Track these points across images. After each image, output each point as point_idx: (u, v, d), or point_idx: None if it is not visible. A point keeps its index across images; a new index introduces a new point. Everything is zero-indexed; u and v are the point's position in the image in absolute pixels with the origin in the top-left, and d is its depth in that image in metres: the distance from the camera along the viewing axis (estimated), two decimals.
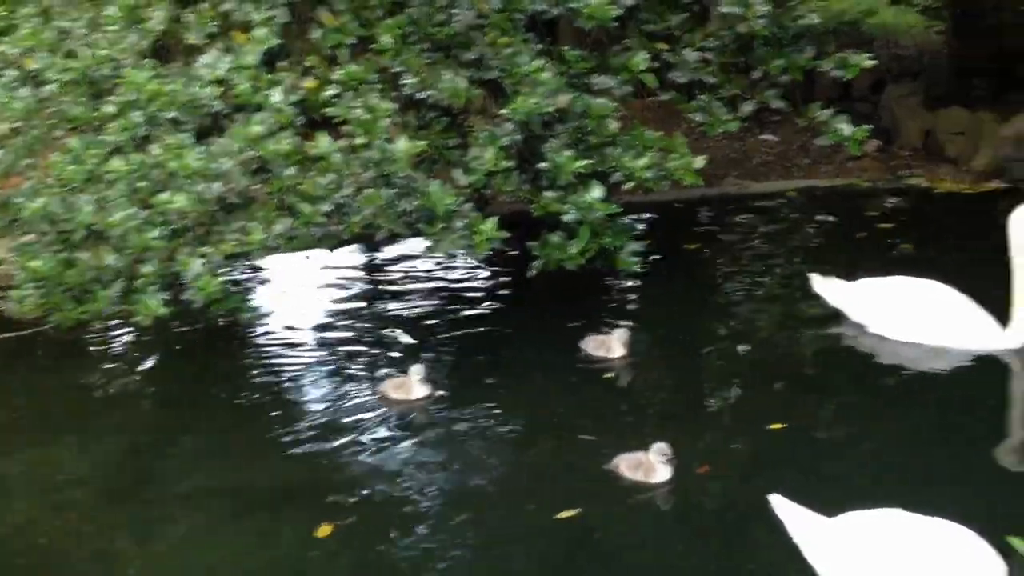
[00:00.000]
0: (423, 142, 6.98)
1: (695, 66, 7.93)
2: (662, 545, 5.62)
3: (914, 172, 11.68)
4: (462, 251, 7.39)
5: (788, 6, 8.06)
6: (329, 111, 6.96)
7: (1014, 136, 11.36)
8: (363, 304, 8.95)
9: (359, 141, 6.82)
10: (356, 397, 7.31)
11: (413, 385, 7.14)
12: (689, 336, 8.18)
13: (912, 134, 12.41)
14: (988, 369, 7.37)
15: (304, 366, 7.87)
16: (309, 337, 8.37)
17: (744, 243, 10.29)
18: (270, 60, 7.03)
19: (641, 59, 7.53)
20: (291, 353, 8.07)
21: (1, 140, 7.64)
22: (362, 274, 9.63)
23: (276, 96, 6.78)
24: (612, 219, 7.33)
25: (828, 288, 8.02)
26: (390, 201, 6.89)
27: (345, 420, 7.00)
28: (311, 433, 6.86)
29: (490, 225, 6.96)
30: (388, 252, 9.85)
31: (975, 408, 6.88)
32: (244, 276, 9.20)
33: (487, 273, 9.51)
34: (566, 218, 7.21)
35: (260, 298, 9.07)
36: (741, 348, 7.90)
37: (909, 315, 7.68)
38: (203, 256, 6.72)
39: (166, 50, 7.38)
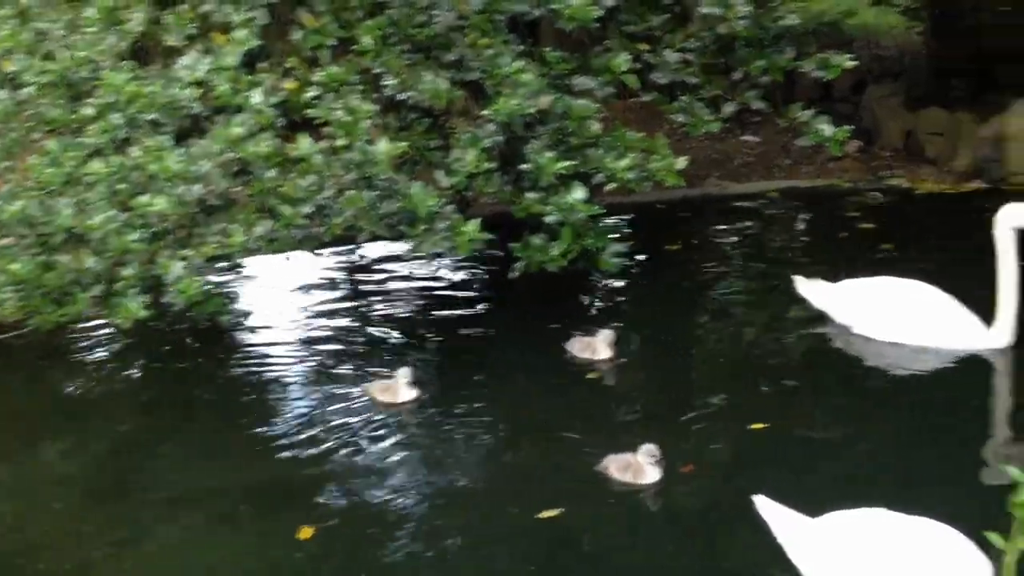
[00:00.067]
0: (404, 144, 6.96)
1: (676, 67, 7.93)
2: (647, 545, 5.61)
3: (895, 173, 11.69)
4: (444, 253, 7.37)
5: (769, 7, 8.06)
6: (310, 112, 6.94)
7: (993, 137, 11.38)
8: (345, 306, 8.91)
9: (340, 143, 6.80)
10: (340, 399, 7.27)
11: (400, 388, 7.11)
12: (673, 337, 8.17)
13: (893, 135, 12.42)
14: (973, 369, 7.38)
15: (287, 368, 7.83)
16: (292, 339, 8.32)
17: (726, 244, 10.31)
18: (250, 62, 7.01)
19: (622, 60, 7.54)
20: (274, 355, 8.03)
21: None
22: (344, 276, 9.60)
23: (256, 98, 6.76)
24: (594, 220, 7.32)
25: (812, 290, 8.02)
26: (372, 203, 6.86)
27: (329, 422, 6.96)
28: (293, 435, 6.82)
29: (472, 227, 6.95)
30: (370, 254, 9.81)
31: (960, 408, 6.89)
32: (226, 278, 9.15)
33: (469, 275, 9.48)
34: (548, 219, 7.20)
35: (242, 300, 9.04)
36: (725, 349, 7.92)
37: (894, 316, 7.69)
38: (184, 259, 6.69)
39: (145, 52, 7.35)
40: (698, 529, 5.72)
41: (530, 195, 7.22)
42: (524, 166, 7.21)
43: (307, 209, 6.76)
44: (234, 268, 7.64)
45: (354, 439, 6.77)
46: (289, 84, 7.07)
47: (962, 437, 6.51)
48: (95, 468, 6.76)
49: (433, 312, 8.69)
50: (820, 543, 4.93)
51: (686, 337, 8.20)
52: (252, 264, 8.67)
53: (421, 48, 7.27)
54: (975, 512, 5.19)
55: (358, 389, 7.34)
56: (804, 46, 8.13)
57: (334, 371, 7.72)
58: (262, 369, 7.82)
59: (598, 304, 8.74)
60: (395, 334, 8.28)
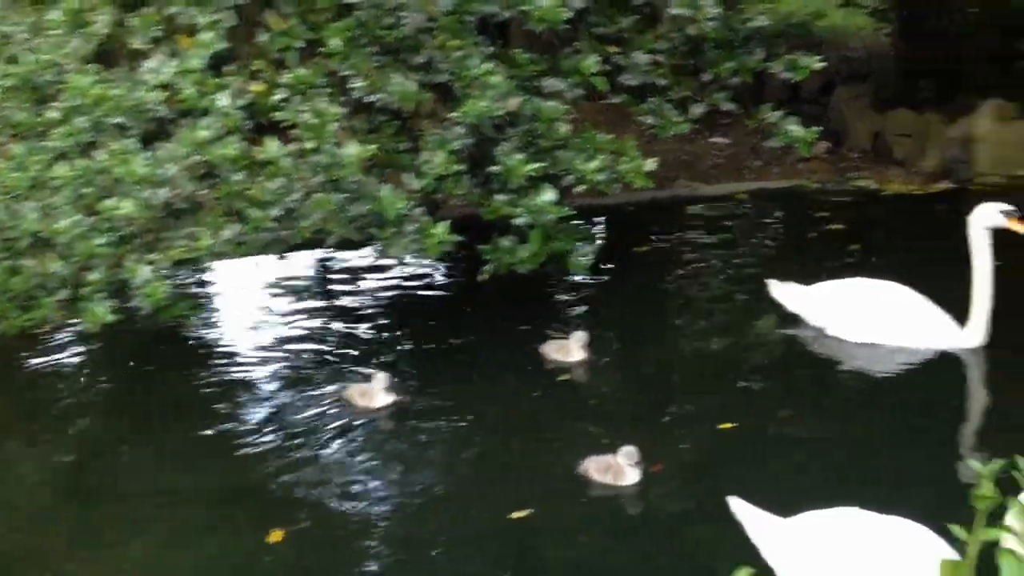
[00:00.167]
0: (373, 146, 6.92)
1: (646, 68, 7.90)
2: (621, 546, 5.63)
3: (863, 173, 11.73)
4: (414, 255, 7.34)
5: (738, 8, 8.05)
6: (277, 115, 6.89)
7: (960, 137, 11.44)
8: (314, 310, 8.88)
9: (308, 145, 6.75)
10: (312, 403, 7.26)
11: (377, 393, 7.08)
12: (644, 339, 8.18)
13: (861, 136, 12.46)
14: (947, 369, 7.43)
15: (256, 372, 7.80)
16: (260, 343, 8.29)
17: (696, 246, 10.32)
18: (216, 64, 6.94)
19: (592, 62, 7.52)
20: (243, 359, 8.00)
21: None
22: (314, 279, 9.55)
23: (223, 100, 6.70)
24: (564, 222, 7.30)
25: (785, 293, 8.02)
26: (340, 206, 6.82)
27: (301, 425, 6.96)
28: (263, 439, 6.81)
29: (441, 229, 6.92)
30: (339, 256, 9.77)
31: (933, 408, 6.94)
32: (193, 282, 9.10)
33: (440, 277, 9.46)
34: (517, 221, 7.18)
35: (211, 304, 8.99)
36: (698, 351, 7.93)
37: (867, 317, 7.71)
38: (150, 263, 6.63)
39: (110, 55, 7.27)
40: (672, 529, 5.75)
41: (499, 197, 7.20)
42: (493, 168, 7.18)
43: (275, 212, 6.71)
44: (201, 272, 7.58)
45: (326, 442, 6.76)
46: (256, 87, 7.02)
47: (936, 436, 6.54)
48: (63, 473, 6.71)
49: (404, 315, 8.66)
50: (794, 543, 4.93)
51: (658, 339, 8.20)
52: (220, 268, 8.63)
53: (389, 50, 7.22)
54: (948, 511, 5.20)
55: (331, 392, 7.33)
56: (773, 47, 8.12)
57: (305, 374, 7.70)
58: (231, 372, 7.79)
59: (569, 306, 8.73)
60: (366, 338, 8.26)
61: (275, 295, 9.15)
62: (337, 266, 9.70)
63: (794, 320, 7.99)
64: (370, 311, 8.78)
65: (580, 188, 7.45)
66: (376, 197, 6.86)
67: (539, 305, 8.59)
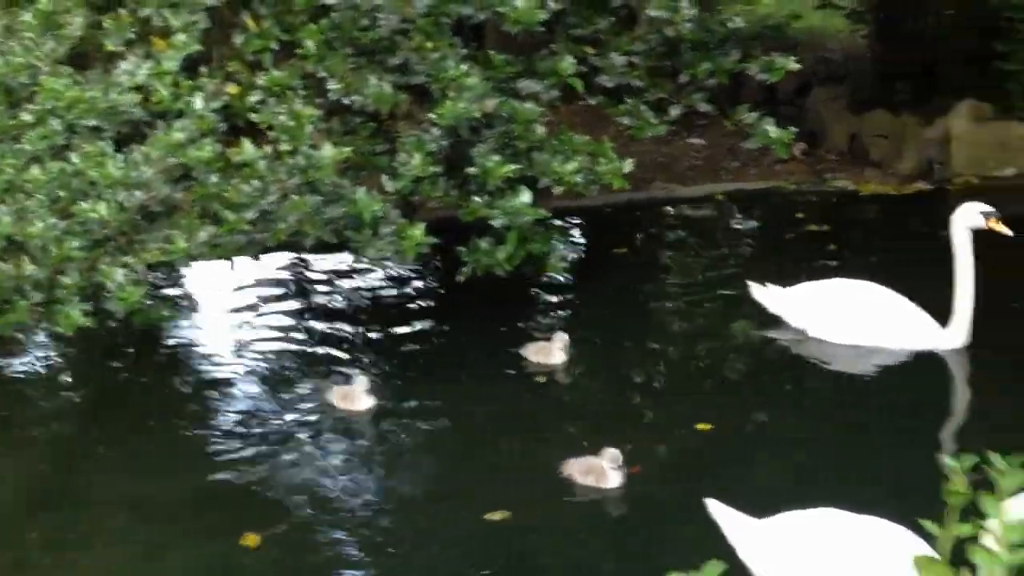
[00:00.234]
0: (349, 148, 6.91)
1: (622, 70, 7.90)
2: (601, 548, 5.63)
3: (840, 175, 11.73)
4: (390, 258, 7.33)
5: (714, 10, 8.06)
6: (253, 117, 6.87)
7: (937, 138, 11.46)
8: (291, 312, 8.84)
9: (284, 148, 6.73)
10: (289, 406, 7.23)
11: (358, 395, 7.06)
12: (624, 340, 8.15)
13: (838, 137, 12.47)
14: (929, 369, 7.45)
15: (233, 375, 7.75)
16: (237, 346, 8.24)
17: (673, 247, 10.33)
18: (191, 66, 6.92)
19: (568, 63, 7.51)
20: (219, 362, 7.96)
21: None
22: (290, 281, 9.51)
23: (198, 102, 6.68)
24: (541, 224, 7.30)
25: (766, 295, 8.01)
26: (316, 208, 6.81)
27: (280, 429, 6.92)
28: (240, 443, 6.78)
29: (418, 231, 6.93)
30: (316, 258, 9.73)
31: (915, 408, 6.96)
32: (168, 285, 9.05)
33: (418, 279, 9.43)
34: (494, 223, 7.17)
35: (187, 307, 8.94)
36: (678, 353, 7.92)
37: (849, 318, 7.72)
38: (125, 266, 6.60)
39: (84, 57, 7.23)
40: (652, 531, 5.73)
41: (476, 199, 7.19)
42: (470, 170, 7.17)
43: (251, 214, 6.70)
44: (177, 275, 7.54)
45: (305, 445, 6.73)
46: (231, 88, 7.00)
47: (917, 437, 6.55)
48: (37, 477, 6.65)
49: (382, 318, 8.62)
50: (771, 544, 4.92)
51: (637, 340, 8.17)
52: (196, 270, 8.59)
53: (365, 52, 7.21)
54: (926, 510, 5.20)
55: (309, 395, 7.31)
56: (749, 49, 8.13)
57: (282, 377, 7.66)
58: (207, 376, 7.76)
59: (547, 308, 8.72)
60: (344, 341, 8.22)
61: (251, 298, 9.10)
62: (314, 269, 9.67)
63: (775, 322, 7.99)
64: (347, 314, 8.74)
65: (557, 190, 7.45)
66: (352, 199, 6.85)
67: (518, 307, 8.57)
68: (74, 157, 6.66)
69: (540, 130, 7.36)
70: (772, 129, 8.04)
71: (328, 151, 6.68)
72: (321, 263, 9.62)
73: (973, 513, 2.49)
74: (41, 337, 8.20)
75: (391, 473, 6.47)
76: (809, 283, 7.96)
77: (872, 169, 11.78)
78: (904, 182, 11.37)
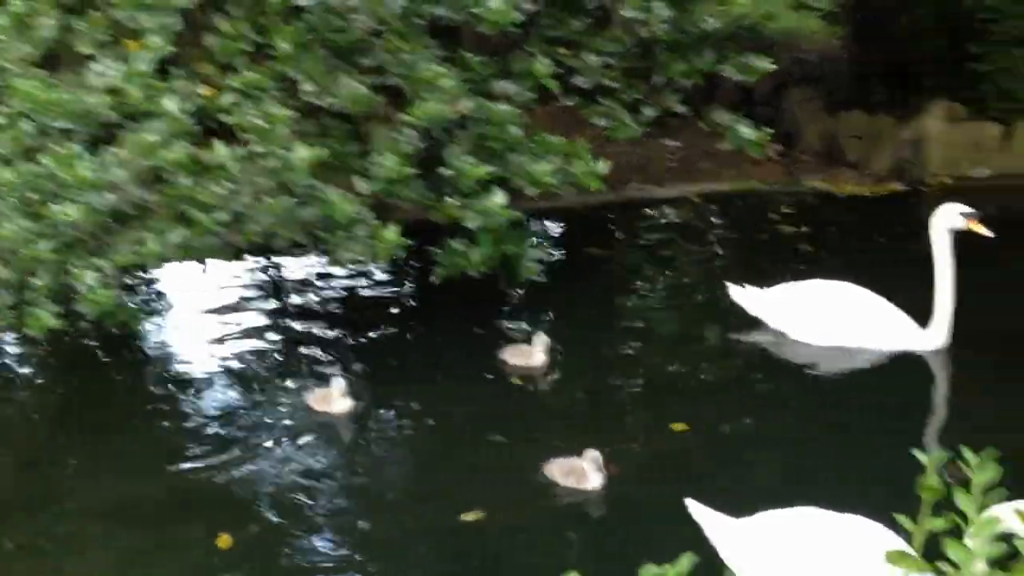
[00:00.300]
0: (324, 150, 6.88)
1: (598, 71, 7.89)
2: (579, 547, 5.62)
3: (815, 175, 11.76)
4: (365, 259, 7.31)
5: (689, 11, 8.05)
6: (226, 119, 6.83)
7: (912, 138, 11.50)
8: (266, 314, 8.80)
9: (257, 149, 6.70)
10: (267, 408, 7.23)
11: (335, 398, 7.03)
12: (602, 342, 8.15)
13: (813, 138, 12.50)
14: (909, 369, 7.48)
15: (207, 377, 7.73)
16: (211, 348, 8.20)
17: (648, 248, 10.32)
18: (164, 68, 6.88)
19: (543, 64, 7.50)
20: (192, 364, 7.93)
21: None
22: (264, 283, 9.48)
23: (170, 104, 6.64)
24: (515, 226, 7.29)
25: (745, 296, 8.01)
26: (289, 210, 6.78)
27: (256, 431, 6.92)
28: (213, 444, 6.77)
29: (392, 233, 6.91)
30: (290, 260, 9.69)
31: (895, 408, 6.99)
32: (140, 287, 9.01)
33: (394, 281, 9.40)
34: (468, 224, 7.16)
35: (159, 309, 8.90)
36: (657, 354, 7.90)
37: (828, 319, 7.72)
38: (96, 268, 6.57)
39: (56, 59, 7.18)
40: (628, 531, 5.74)
41: (450, 200, 7.17)
42: (445, 171, 7.15)
43: (223, 216, 6.67)
44: (149, 277, 7.51)
45: (282, 447, 6.73)
46: (204, 90, 6.96)
47: (897, 436, 6.56)
48: (8, 480, 6.65)
49: (358, 320, 8.61)
50: (751, 543, 4.92)
51: (615, 341, 8.17)
52: (168, 272, 8.57)
53: (339, 53, 7.18)
54: (906, 509, 5.21)
55: (284, 397, 7.29)
56: (724, 50, 8.13)
57: (257, 380, 7.65)
58: (181, 378, 7.72)
59: (523, 309, 8.69)
60: (320, 342, 8.20)
61: (226, 300, 9.06)
62: (288, 270, 9.63)
63: (754, 323, 7.99)
64: (323, 316, 8.72)
65: (532, 191, 7.43)
66: (326, 201, 6.82)
67: (493, 308, 8.55)
68: (45, 159, 6.61)
69: (515, 131, 7.34)
70: (747, 130, 8.06)
71: (301, 152, 6.65)
72: (296, 265, 9.59)
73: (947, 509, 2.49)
74: (10, 339, 8.16)
75: (367, 474, 6.46)
76: (788, 284, 7.96)
77: (847, 170, 11.81)
78: (879, 182, 11.40)
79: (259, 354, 8.04)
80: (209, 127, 7.03)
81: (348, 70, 7.13)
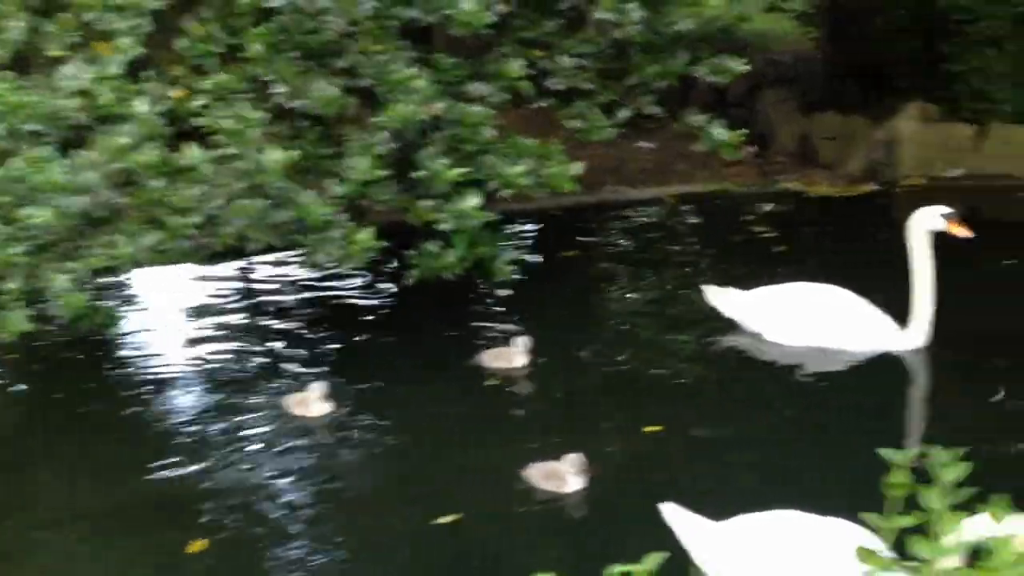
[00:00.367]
0: (297, 152, 6.86)
1: (571, 73, 7.89)
2: (555, 551, 5.60)
3: (789, 176, 11.79)
4: (339, 262, 7.29)
5: (662, 12, 8.04)
6: (197, 121, 6.81)
7: (885, 139, 11.54)
8: (240, 317, 8.78)
9: (230, 151, 6.68)
10: (243, 412, 7.17)
11: (314, 401, 7.01)
12: (578, 344, 8.09)
13: (787, 139, 12.53)
14: (889, 370, 7.50)
15: (179, 381, 7.71)
16: (184, 351, 8.18)
17: (623, 250, 10.33)
18: (135, 70, 6.85)
19: (516, 66, 7.50)
20: (166, 368, 7.89)
21: None
22: (238, 286, 9.45)
23: (142, 106, 6.61)
24: (489, 227, 7.28)
25: (722, 298, 8.00)
26: (263, 212, 6.76)
27: (233, 435, 6.88)
28: (185, 449, 6.72)
29: (366, 235, 6.90)
30: (264, 263, 9.66)
31: (874, 409, 7.00)
32: (114, 290, 8.97)
33: (369, 284, 9.38)
34: (442, 227, 7.15)
35: (132, 312, 8.86)
36: (634, 356, 7.89)
37: (807, 321, 7.72)
38: (69, 271, 6.53)
39: (26, 61, 7.14)
40: (608, 534, 5.71)
41: (424, 202, 7.17)
42: (419, 173, 7.14)
43: (196, 219, 6.64)
44: (123, 280, 7.47)
45: (257, 452, 6.70)
46: (175, 92, 6.93)
47: (877, 438, 6.48)
48: None
49: (334, 323, 8.58)
50: (729, 547, 4.90)
51: (591, 343, 8.14)
52: (143, 275, 8.53)
53: (312, 55, 7.16)
54: (883, 510, 5.22)
55: (259, 401, 7.26)
56: (698, 51, 8.13)
57: (235, 384, 7.61)
58: (154, 383, 7.68)
59: (498, 311, 8.69)
60: (296, 346, 8.17)
61: (200, 303, 9.04)
62: (263, 273, 9.61)
63: (732, 325, 7.98)
64: (301, 319, 8.70)
65: (506, 192, 7.43)
66: (299, 203, 6.80)
67: (469, 311, 8.56)
68: (16, 162, 6.57)
69: (489, 133, 7.33)
70: (721, 131, 8.06)
71: (274, 155, 6.63)
72: (270, 268, 9.57)
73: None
74: None
75: (344, 478, 6.43)
76: (766, 286, 7.96)
77: (821, 171, 11.85)
78: (852, 183, 11.44)
79: (234, 358, 8.01)
80: (181, 129, 7.00)
81: (320, 72, 7.11)
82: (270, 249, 7.40)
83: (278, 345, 8.18)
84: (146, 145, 6.57)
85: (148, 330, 8.58)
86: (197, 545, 5.71)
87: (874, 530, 4.65)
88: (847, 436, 6.58)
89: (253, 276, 9.59)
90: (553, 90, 7.96)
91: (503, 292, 8.79)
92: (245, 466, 6.54)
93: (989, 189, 10.88)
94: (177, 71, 7.11)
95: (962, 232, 7.38)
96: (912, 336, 7.54)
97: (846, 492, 5.73)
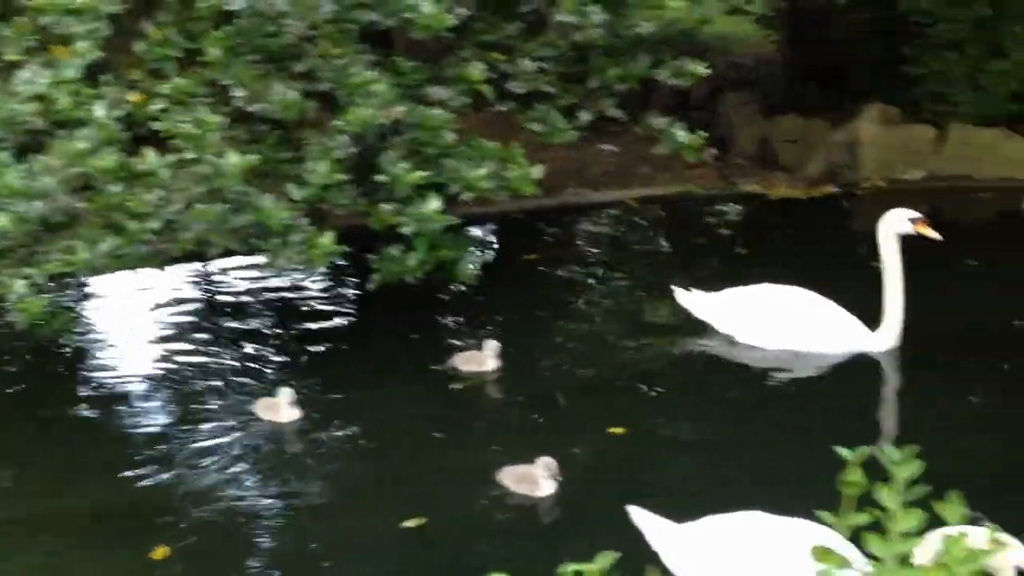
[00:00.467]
0: (256, 156, 6.83)
1: (532, 76, 7.89)
2: (519, 553, 5.59)
3: (750, 179, 11.81)
4: (300, 266, 7.27)
5: (623, 15, 8.05)
6: (156, 125, 6.77)
7: (845, 142, 11.58)
8: (202, 322, 8.73)
9: (188, 156, 6.65)
10: (213, 418, 7.13)
11: (282, 407, 6.97)
12: (545, 348, 8.11)
13: (748, 142, 12.56)
14: (860, 371, 7.52)
15: (141, 387, 7.68)
16: (145, 357, 8.13)
17: (585, 253, 10.34)
18: (92, 74, 6.81)
19: (477, 69, 7.49)
20: (130, 375, 7.85)
21: None
22: (199, 291, 9.40)
23: (99, 111, 6.57)
24: (450, 231, 7.27)
25: (691, 300, 8.01)
26: (222, 217, 6.73)
27: (201, 442, 6.83)
28: (148, 455, 6.69)
29: (327, 239, 6.88)
30: (225, 268, 9.61)
31: (845, 411, 7.02)
32: (73, 296, 8.90)
33: (332, 288, 9.35)
34: (404, 230, 7.14)
35: (92, 318, 8.80)
36: (602, 360, 7.89)
37: (777, 323, 7.74)
38: (26, 277, 6.48)
39: None
40: (576, 537, 5.67)
41: (385, 206, 7.15)
42: (380, 177, 7.12)
43: (154, 224, 6.61)
44: (82, 286, 7.42)
45: (225, 457, 6.67)
46: (133, 97, 6.89)
47: (848, 439, 6.49)
48: None
49: (302, 328, 8.54)
50: (696, 548, 4.91)
51: (556, 347, 8.15)
52: (102, 281, 8.47)
53: (271, 59, 7.13)
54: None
55: (231, 407, 7.22)
56: (659, 54, 8.15)
57: (202, 390, 7.56)
58: (118, 389, 7.64)
59: (461, 314, 8.67)
60: (265, 352, 8.13)
61: (161, 309, 8.98)
62: (224, 278, 9.56)
63: (701, 327, 7.98)
64: (262, 324, 8.66)
65: (467, 196, 7.42)
66: (259, 207, 6.78)
67: (433, 315, 8.54)
68: None
69: (449, 136, 7.32)
70: (682, 134, 8.07)
71: (233, 159, 6.61)
72: (232, 273, 9.52)
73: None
74: None
75: (312, 483, 6.41)
76: (736, 288, 7.97)
77: (781, 173, 11.88)
78: (813, 186, 11.47)
79: (199, 364, 7.95)
80: (139, 134, 6.97)
81: (279, 76, 7.09)
82: (230, 254, 7.35)
83: (243, 351, 8.13)
84: (104, 150, 6.53)
85: (110, 335, 8.53)
86: (161, 552, 5.67)
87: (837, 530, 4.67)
88: (816, 437, 6.56)
89: (215, 281, 9.54)
90: (514, 93, 7.96)
91: (466, 295, 8.78)
92: (211, 471, 6.49)
93: (949, 191, 10.94)
94: (135, 75, 7.08)
95: (931, 234, 7.42)
96: (884, 337, 7.57)
97: (815, 493, 5.74)
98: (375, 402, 7.25)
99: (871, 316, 7.59)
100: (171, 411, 7.33)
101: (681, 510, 5.08)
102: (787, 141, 12.15)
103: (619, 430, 6.71)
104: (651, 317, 8.48)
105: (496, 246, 10.20)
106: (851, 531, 2.49)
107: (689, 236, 10.64)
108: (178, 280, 9.33)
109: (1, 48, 6.88)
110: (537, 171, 7.48)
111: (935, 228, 7.47)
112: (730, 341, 7.88)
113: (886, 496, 2.38)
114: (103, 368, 8.00)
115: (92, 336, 8.45)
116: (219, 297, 9.27)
